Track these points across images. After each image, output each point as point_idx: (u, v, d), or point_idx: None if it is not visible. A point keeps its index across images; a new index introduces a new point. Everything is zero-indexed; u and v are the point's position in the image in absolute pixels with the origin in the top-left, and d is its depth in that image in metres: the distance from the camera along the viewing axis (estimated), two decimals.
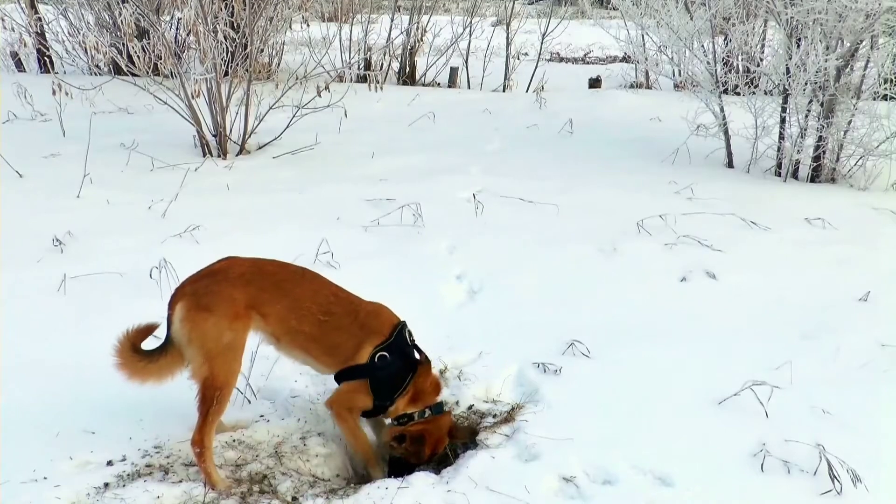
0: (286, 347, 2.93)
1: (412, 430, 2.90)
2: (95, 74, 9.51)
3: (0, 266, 4.42)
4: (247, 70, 7.21)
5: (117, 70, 8.36)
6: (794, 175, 6.94)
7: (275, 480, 2.82)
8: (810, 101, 6.66)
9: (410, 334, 2.96)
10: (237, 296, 2.73)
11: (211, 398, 2.67)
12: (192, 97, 6.79)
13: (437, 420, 2.94)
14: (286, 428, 3.13)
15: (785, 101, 6.80)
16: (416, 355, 2.96)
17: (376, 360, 2.83)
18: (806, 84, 6.54)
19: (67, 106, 7.23)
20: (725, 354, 3.71)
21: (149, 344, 2.84)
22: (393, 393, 2.89)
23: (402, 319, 2.98)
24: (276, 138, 7.35)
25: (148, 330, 2.82)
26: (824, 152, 6.76)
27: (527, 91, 10.93)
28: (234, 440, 3.01)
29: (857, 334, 3.94)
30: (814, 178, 6.86)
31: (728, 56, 8.35)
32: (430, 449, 2.91)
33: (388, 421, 3.03)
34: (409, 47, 11.30)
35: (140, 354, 2.77)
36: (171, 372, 2.80)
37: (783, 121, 6.88)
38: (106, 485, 2.70)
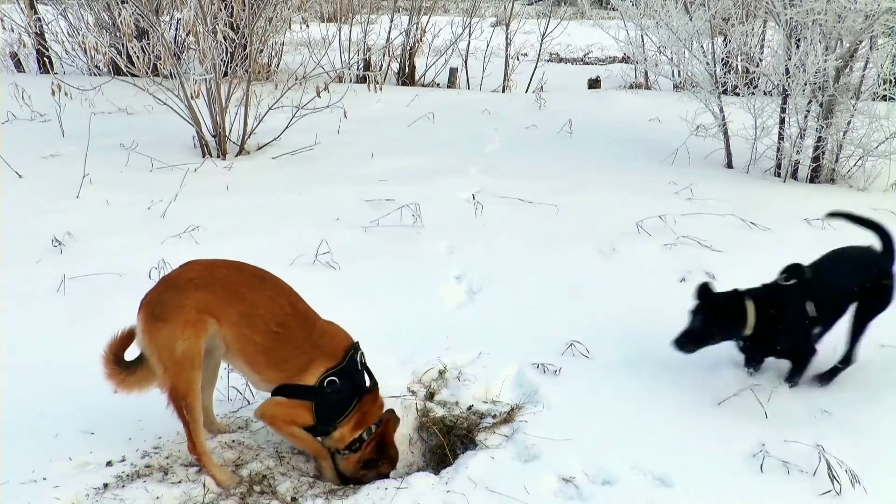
0: (233, 355, 2.77)
1: (371, 449, 2.83)
2: (95, 75, 9.54)
3: (0, 266, 4.42)
4: (246, 70, 7.21)
5: (117, 70, 8.37)
6: (794, 175, 6.94)
7: (274, 481, 2.82)
8: (809, 102, 6.66)
9: (363, 356, 2.86)
10: (186, 302, 2.61)
11: (180, 409, 2.64)
12: (192, 98, 6.79)
13: (385, 424, 2.87)
14: None
15: (784, 101, 6.81)
16: (367, 379, 2.86)
17: (325, 384, 2.72)
18: (805, 85, 6.55)
19: (67, 106, 7.24)
20: (725, 354, 3.71)
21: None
22: (336, 418, 2.79)
23: (355, 341, 2.88)
24: (275, 139, 7.35)
25: (128, 338, 2.76)
26: (823, 153, 6.77)
27: (526, 91, 10.94)
28: (233, 440, 3.01)
29: None
30: (813, 178, 6.87)
31: (727, 57, 8.35)
32: (397, 451, 2.91)
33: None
34: (408, 48, 11.31)
35: (122, 366, 2.74)
36: (149, 382, 2.75)
37: (782, 121, 6.88)
38: (105, 485, 2.70)
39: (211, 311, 2.65)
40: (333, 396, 2.75)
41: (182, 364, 2.62)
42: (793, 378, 3.39)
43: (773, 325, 3.27)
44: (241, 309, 2.69)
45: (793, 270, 3.41)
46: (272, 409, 2.80)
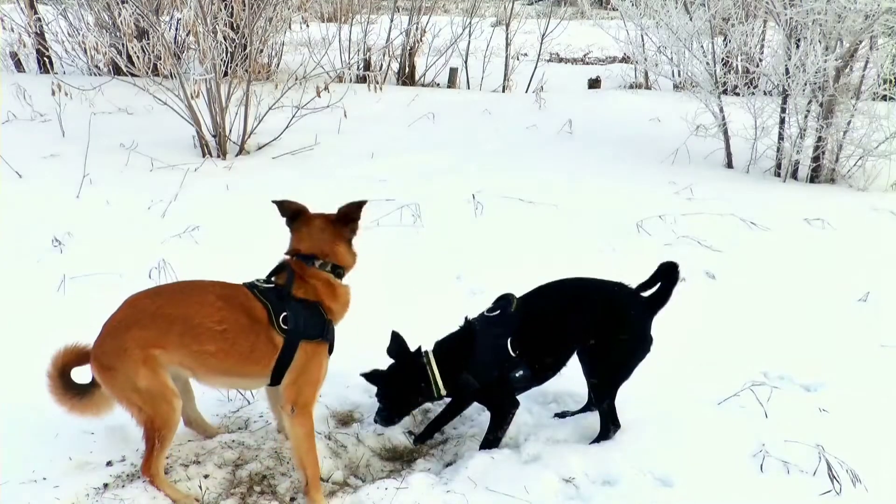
0: (204, 375, 2.71)
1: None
2: (95, 75, 9.52)
3: (0, 266, 4.42)
4: (246, 70, 7.21)
5: (117, 70, 8.37)
6: (794, 175, 6.95)
7: (274, 481, 2.82)
8: (809, 102, 6.67)
9: (258, 281, 2.77)
10: (126, 345, 2.55)
11: (153, 438, 2.61)
12: (192, 97, 6.79)
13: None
14: None
15: (784, 101, 6.81)
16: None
17: (283, 324, 2.65)
18: (805, 84, 6.55)
19: (67, 106, 7.24)
20: (725, 354, 3.72)
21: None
22: (317, 321, 2.72)
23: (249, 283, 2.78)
24: (275, 139, 7.35)
25: (74, 356, 2.68)
26: (823, 153, 6.77)
27: (526, 91, 10.93)
28: (233, 440, 3.01)
29: (857, 334, 3.95)
30: (813, 178, 6.87)
31: (727, 56, 8.35)
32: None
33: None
34: (408, 48, 11.30)
35: (71, 388, 2.68)
36: (106, 407, 2.71)
37: (782, 121, 6.89)
38: (105, 485, 2.71)
39: (153, 344, 2.58)
40: (304, 316, 2.69)
41: (153, 400, 2.58)
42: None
43: None
44: (176, 329, 2.60)
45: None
46: (295, 390, 2.68)
